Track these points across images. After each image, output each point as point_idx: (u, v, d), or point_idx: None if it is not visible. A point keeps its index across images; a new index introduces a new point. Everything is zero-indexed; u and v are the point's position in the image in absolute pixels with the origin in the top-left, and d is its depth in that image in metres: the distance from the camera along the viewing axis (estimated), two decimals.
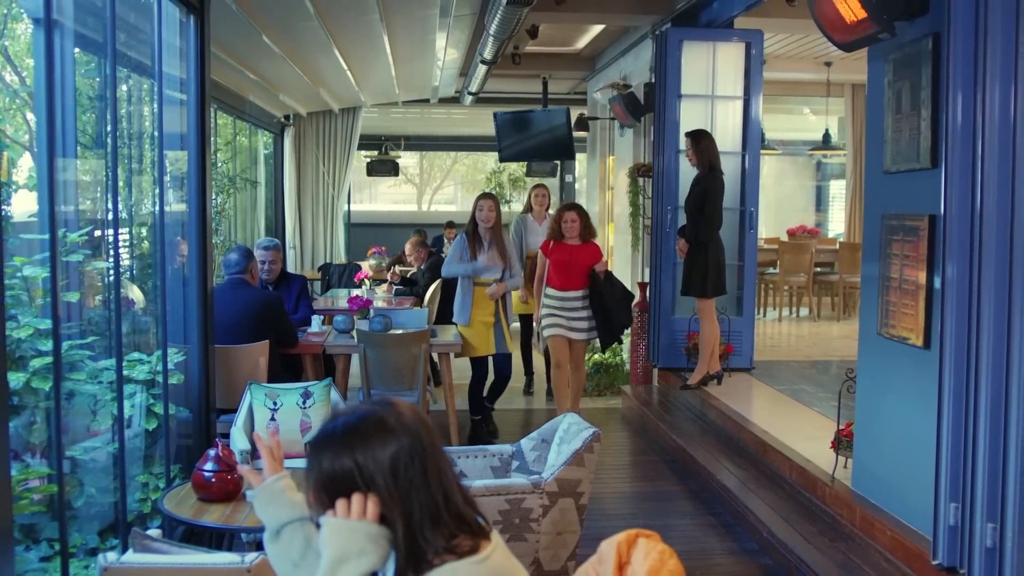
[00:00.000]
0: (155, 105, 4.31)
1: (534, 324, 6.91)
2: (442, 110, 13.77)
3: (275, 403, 4.21)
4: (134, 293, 4.40)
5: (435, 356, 6.61)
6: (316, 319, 6.08)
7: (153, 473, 4.05)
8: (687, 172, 6.79)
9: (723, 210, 6.37)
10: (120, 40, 3.67)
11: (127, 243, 4.37)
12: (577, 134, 10.69)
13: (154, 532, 2.56)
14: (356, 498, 1.57)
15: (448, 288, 7.55)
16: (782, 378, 6.94)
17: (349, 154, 12.14)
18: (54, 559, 3.14)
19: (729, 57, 7.32)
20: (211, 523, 3.13)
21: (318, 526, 1.63)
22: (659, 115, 7.33)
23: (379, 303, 7.37)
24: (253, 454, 4.17)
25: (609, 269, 6.41)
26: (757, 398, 6.53)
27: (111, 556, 2.20)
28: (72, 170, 3.79)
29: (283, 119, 11.56)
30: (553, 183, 14.37)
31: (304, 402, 4.21)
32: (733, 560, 4.34)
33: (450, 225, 13.61)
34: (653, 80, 7.69)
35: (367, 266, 9.51)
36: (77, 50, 3.87)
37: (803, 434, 5.27)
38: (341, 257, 12.33)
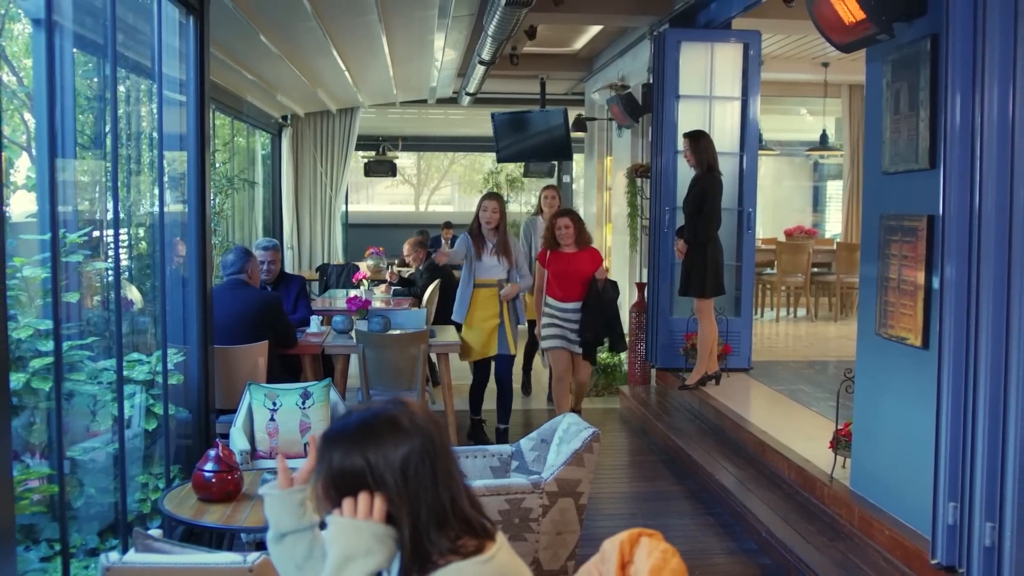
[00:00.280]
0: (154, 106, 4.32)
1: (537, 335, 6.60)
2: (440, 111, 13.78)
3: (274, 403, 4.21)
4: (132, 293, 4.40)
5: (434, 356, 6.62)
6: (315, 319, 6.07)
7: (153, 473, 4.05)
8: (685, 172, 6.79)
9: (721, 210, 6.38)
10: (118, 41, 3.67)
11: (126, 243, 4.37)
12: (575, 135, 10.71)
13: (155, 532, 2.56)
14: (363, 497, 1.57)
15: (446, 290, 7.55)
16: (780, 378, 6.96)
17: (347, 154, 12.14)
18: (54, 559, 3.14)
19: (727, 58, 7.33)
20: (212, 523, 3.13)
21: (323, 525, 1.63)
22: (657, 116, 7.34)
23: (377, 303, 7.36)
24: (253, 455, 4.17)
25: (609, 277, 6.27)
26: (755, 398, 6.54)
27: (113, 556, 2.20)
28: (71, 171, 3.79)
29: (281, 119, 11.56)
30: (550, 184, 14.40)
31: (303, 402, 4.21)
32: (732, 560, 4.35)
33: (447, 225, 13.61)
34: (651, 81, 7.70)
35: (365, 267, 9.52)
36: (75, 51, 3.87)
37: (801, 434, 5.28)
38: (339, 258, 12.33)
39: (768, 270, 10.59)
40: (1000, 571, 3.12)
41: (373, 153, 15.40)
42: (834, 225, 14.66)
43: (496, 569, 1.58)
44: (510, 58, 9.49)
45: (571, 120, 10.45)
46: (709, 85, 7.34)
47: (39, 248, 3.22)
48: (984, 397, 3.17)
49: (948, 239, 3.34)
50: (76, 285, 3.66)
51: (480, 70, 8.68)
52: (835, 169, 14.61)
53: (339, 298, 7.91)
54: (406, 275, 8.69)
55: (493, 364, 6.24)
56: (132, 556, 2.26)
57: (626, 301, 7.92)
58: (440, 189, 26.41)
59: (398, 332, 5.84)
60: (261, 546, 3.15)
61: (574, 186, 15.12)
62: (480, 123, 13.11)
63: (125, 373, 3.65)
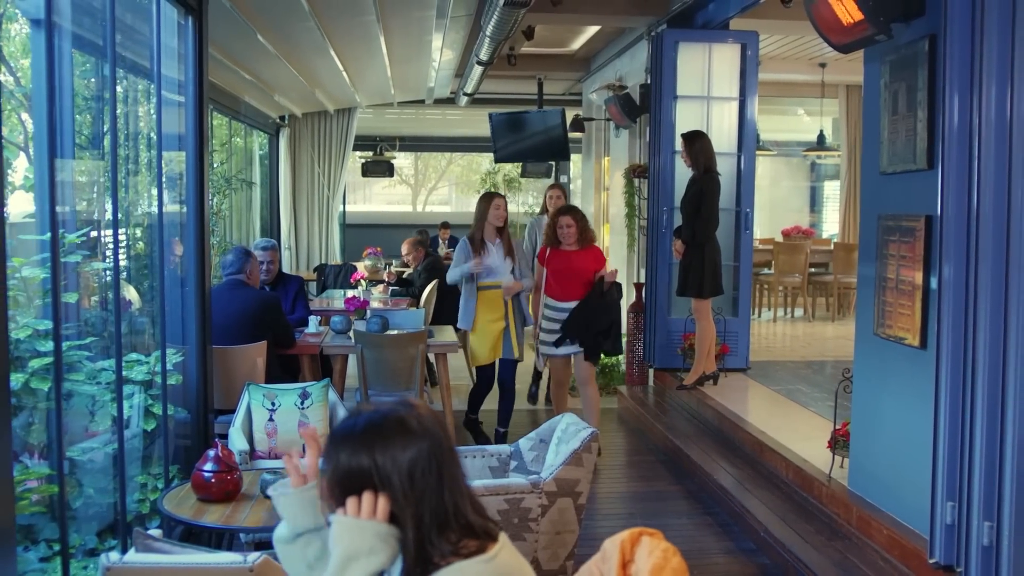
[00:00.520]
0: (152, 106, 4.32)
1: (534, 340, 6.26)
2: (437, 111, 13.79)
3: (273, 404, 4.21)
4: (130, 294, 4.40)
5: (431, 357, 6.61)
6: (313, 320, 6.07)
7: (151, 474, 4.04)
8: (683, 173, 6.80)
9: (719, 211, 6.39)
10: (117, 41, 3.66)
11: (124, 244, 4.37)
12: (572, 135, 10.71)
13: (154, 532, 2.56)
14: (367, 497, 1.57)
15: (444, 290, 7.53)
16: (778, 378, 6.97)
17: (344, 155, 12.14)
18: (53, 560, 3.14)
19: (725, 58, 7.34)
20: (211, 523, 3.13)
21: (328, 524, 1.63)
22: (655, 116, 7.34)
23: (375, 304, 7.36)
24: (251, 455, 4.17)
25: (617, 280, 5.82)
26: (753, 398, 6.55)
27: (113, 556, 2.19)
28: (69, 171, 3.79)
29: (278, 120, 11.55)
30: (547, 184, 14.39)
31: (302, 403, 4.22)
32: (730, 559, 4.36)
33: (445, 226, 13.61)
34: (649, 81, 7.71)
35: (363, 267, 9.52)
36: (73, 51, 3.86)
37: (799, 434, 5.29)
38: (336, 258, 12.33)
39: (765, 270, 10.61)
40: (998, 570, 3.12)
41: (371, 153, 15.40)
42: (831, 225, 14.68)
43: (498, 568, 1.59)
44: (508, 58, 9.49)
45: (569, 120, 10.45)
46: (707, 85, 7.35)
47: (37, 248, 3.22)
48: (982, 397, 3.17)
49: (946, 239, 3.35)
50: (74, 285, 3.66)
51: (478, 70, 8.69)
52: (832, 169, 14.63)
53: (337, 298, 7.90)
54: (404, 275, 8.69)
55: (497, 366, 6.13)
56: (133, 556, 2.26)
57: (624, 301, 7.91)
58: (437, 189, 26.42)
59: (396, 332, 5.84)
60: (261, 546, 3.15)
61: (572, 186, 15.13)
62: (478, 123, 13.12)
63: (124, 373, 3.65)
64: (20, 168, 4.08)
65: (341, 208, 13.26)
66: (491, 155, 11.68)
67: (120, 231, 4.13)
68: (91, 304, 3.96)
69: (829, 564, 3.91)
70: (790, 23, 7.37)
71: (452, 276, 6.10)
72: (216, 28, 5.03)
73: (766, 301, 10.89)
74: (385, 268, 9.53)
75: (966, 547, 3.26)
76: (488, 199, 6.09)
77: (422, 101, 11.86)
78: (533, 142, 10.52)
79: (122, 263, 4.32)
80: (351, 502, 1.58)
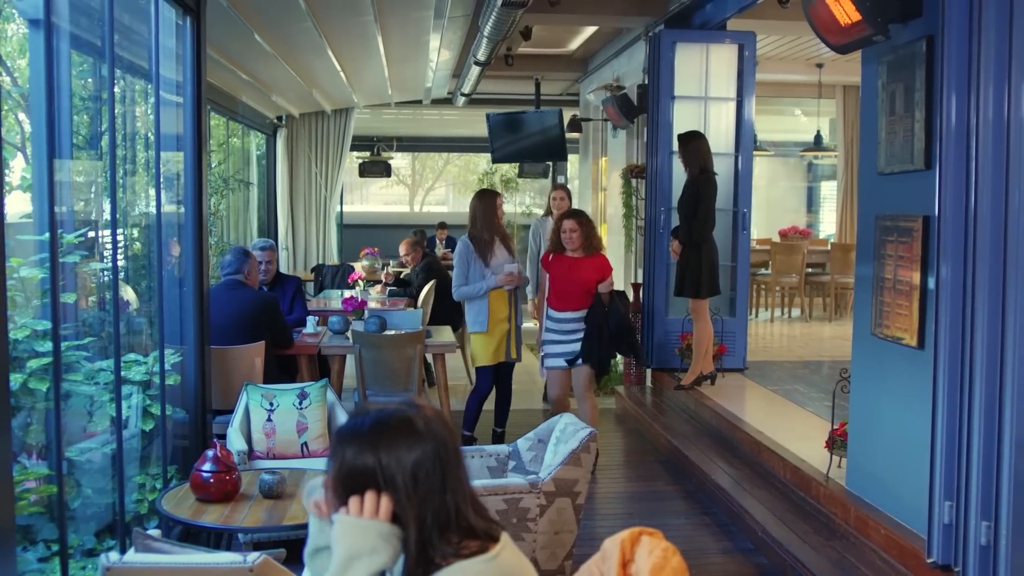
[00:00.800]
0: (150, 106, 4.31)
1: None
2: (435, 111, 13.79)
3: (271, 404, 4.22)
4: (128, 294, 4.39)
5: (429, 357, 6.61)
6: (311, 320, 6.07)
7: (150, 474, 4.04)
8: (680, 173, 6.79)
9: (716, 211, 6.39)
10: (115, 41, 3.66)
11: (122, 244, 4.36)
12: (569, 135, 10.72)
13: (153, 532, 2.56)
14: (370, 496, 1.57)
15: (442, 290, 7.52)
16: (775, 378, 6.98)
17: (341, 155, 12.14)
18: (51, 560, 3.13)
19: (722, 59, 7.35)
20: (210, 523, 3.13)
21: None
22: (652, 116, 7.35)
23: (373, 304, 7.36)
24: (250, 455, 4.17)
25: (615, 289, 5.64)
26: (751, 398, 6.55)
27: (113, 556, 2.19)
28: (66, 171, 3.79)
29: (276, 120, 11.55)
30: (544, 184, 14.40)
31: (300, 403, 4.22)
32: (728, 559, 4.36)
33: (442, 226, 13.62)
34: (646, 81, 7.71)
35: (360, 267, 9.52)
36: (71, 51, 3.86)
37: (797, 434, 5.30)
38: (334, 258, 12.32)
39: (763, 270, 10.62)
40: (996, 570, 3.13)
41: (368, 154, 15.40)
42: (828, 226, 14.70)
43: (500, 568, 1.59)
44: (505, 59, 9.50)
45: (566, 121, 10.46)
46: (704, 86, 7.36)
47: (35, 249, 3.22)
48: (980, 396, 3.18)
49: (944, 239, 3.35)
50: (72, 286, 3.66)
51: (475, 71, 8.69)
52: (829, 170, 14.65)
53: (335, 299, 7.90)
54: (402, 275, 8.69)
55: (496, 368, 6.00)
56: (132, 556, 2.26)
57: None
58: (435, 189, 26.42)
59: (394, 332, 5.84)
60: (259, 546, 3.15)
61: (569, 187, 15.13)
62: (475, 124, 13.11)
63: (122, 374, 3.64)
64: (18, 168, 4.09)
65: (338, 208, 13.25)
66: (488, 155, 11.68)
67: (118, 231, 4.12)
68: (89, 304, 3.96)
69: (827, 564, 3.91)
70: (787, 24, 7.39)
71: (465, 292, 5.79)
72: (214, 28, 5.03)
73: (763, 301, 10.91)
74: (383, 268, 9.52)
75: (964, 547, 3.27)
76: (491, 197, 5.91)
77: (419, 101, 11.86)
78: (530, 142, 10.53)
79: (120, 263, 4.31)
80: (354, 501, 1.58)
